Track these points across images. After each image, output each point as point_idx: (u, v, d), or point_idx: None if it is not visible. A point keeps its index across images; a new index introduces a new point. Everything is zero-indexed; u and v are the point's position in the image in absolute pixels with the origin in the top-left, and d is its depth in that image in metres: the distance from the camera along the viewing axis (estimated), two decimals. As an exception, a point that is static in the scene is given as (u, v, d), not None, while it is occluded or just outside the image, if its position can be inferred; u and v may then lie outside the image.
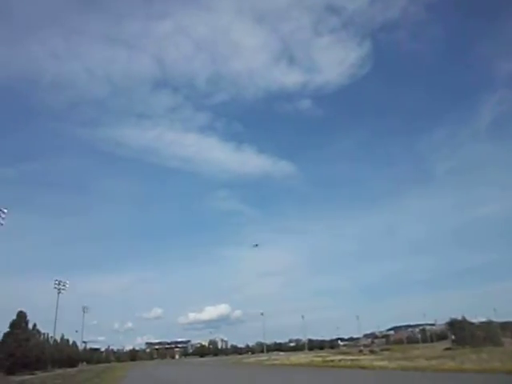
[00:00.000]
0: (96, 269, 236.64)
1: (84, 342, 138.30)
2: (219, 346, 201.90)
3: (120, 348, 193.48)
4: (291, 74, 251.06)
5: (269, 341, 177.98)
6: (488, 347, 61.00)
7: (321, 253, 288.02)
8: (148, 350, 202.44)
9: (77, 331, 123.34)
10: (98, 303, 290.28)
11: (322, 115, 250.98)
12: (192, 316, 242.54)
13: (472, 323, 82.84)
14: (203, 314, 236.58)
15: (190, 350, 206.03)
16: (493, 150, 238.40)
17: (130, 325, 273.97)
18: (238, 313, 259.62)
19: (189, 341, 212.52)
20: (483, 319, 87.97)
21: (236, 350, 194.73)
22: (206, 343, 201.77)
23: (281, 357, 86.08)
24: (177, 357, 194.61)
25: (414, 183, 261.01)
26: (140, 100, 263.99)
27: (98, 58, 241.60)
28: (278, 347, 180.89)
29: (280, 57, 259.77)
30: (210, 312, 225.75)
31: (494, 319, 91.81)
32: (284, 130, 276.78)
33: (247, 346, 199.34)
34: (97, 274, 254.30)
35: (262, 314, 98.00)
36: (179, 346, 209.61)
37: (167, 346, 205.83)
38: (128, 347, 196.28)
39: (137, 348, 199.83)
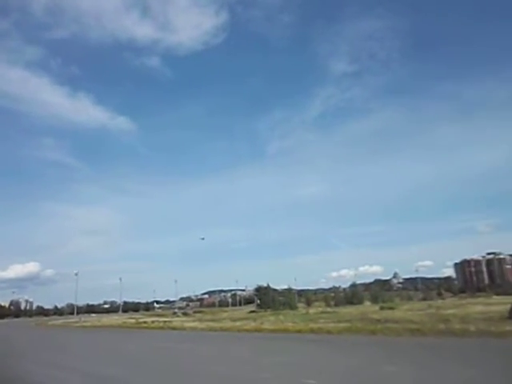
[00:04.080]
0: None
1: None
2: (22, 307, 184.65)
3: None
4: (143, 26, 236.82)
5: (81, 302, 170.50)
6: (285, 310, 69.93)
7: (148, 216, 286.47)
8: None
9: None
10: None
11: (169, 77, 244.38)
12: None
13: (275, 289, 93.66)
14: (8, 272, 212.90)
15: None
16: (316, 140, 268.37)
17: None
18: (49, 272, 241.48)
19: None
20: (285, 286, 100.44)
21: (42, 312, 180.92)
22: (6, 304, 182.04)
23: (92, 318, 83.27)
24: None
25: (249, 159, 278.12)
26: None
27: None
28: (91, 309, 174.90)
29: (133, 5, 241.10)
30: (17, 270, 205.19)
31: (294, 287, 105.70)
32: (128, 84, 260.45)
33: (56, 308, 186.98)
34: None
35: (76, 274, 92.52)
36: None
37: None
38: None
39: None
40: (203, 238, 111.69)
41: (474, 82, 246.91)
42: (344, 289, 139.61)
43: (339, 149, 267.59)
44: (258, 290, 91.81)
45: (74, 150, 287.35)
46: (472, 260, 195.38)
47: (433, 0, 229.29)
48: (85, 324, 57.16)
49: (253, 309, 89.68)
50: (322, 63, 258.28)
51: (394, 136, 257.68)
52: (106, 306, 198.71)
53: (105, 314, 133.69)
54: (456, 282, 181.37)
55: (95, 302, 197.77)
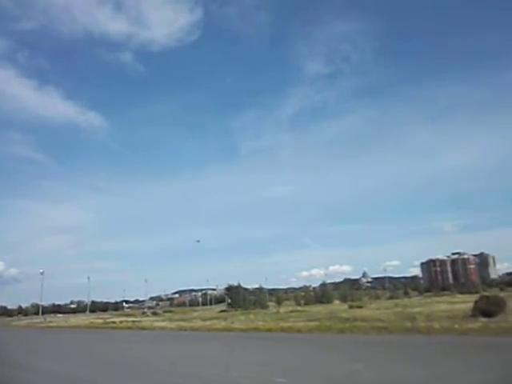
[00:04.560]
0: None
1: None
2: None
3: None
4: (116, 21, 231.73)
5: (47, 302, 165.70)
6: (256, 309, 70.15)
7: (119, 215, 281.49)
8: None
9: None
10: None
11: (142, 72, 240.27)
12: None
13: (246, 289, 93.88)
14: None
15: None
16: (289, 140, 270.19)
17: None
18: (13, 271, 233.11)
19: None
20: (256, 286, 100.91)
21: (5, 312, 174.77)
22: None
23: (58, 319, 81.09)
24: None
25: (222, 157, 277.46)
26: None
27: None
28: (57, 309, 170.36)
29: None
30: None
31: (265, 286, 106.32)
32: (98, 79, 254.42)
33: (20, 308, 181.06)
34: None
35: (41, 273, 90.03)
36: None
37: None
38: None
39: None
40: (199, 241, 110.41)
41: (445, 85, 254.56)
42: (314, 288, 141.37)
43: (312, 149, 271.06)
44: (229, 289, 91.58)
45: (43, 145, 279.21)
46: (437, 260, 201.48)
47: (407, 3, 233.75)
48: (51, 324, 55.67)
49: (223, 308, 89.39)
50: (296, 63, 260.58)
51: (366, 137, 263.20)
52: (73, 305, 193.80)
53: (71, 315, 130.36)
54: (422, 281, 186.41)
55: (62, 302, 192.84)
